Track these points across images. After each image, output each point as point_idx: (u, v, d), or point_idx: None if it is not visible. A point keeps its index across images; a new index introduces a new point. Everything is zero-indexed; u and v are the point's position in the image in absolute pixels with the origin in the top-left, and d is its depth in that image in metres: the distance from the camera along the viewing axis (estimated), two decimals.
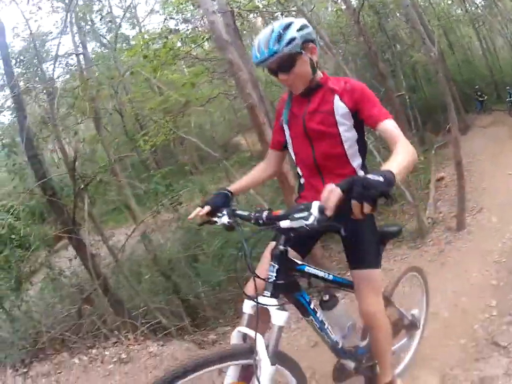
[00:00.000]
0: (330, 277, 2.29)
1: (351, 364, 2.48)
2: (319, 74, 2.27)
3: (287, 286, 1.99)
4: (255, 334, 1.82)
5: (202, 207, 2.16)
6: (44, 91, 6.53)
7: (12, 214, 5.32)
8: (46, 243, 5.76)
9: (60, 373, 3.74)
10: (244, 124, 20.99)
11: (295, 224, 1.70)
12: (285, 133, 2.37)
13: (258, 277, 1.89)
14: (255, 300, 1.85)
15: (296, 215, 1.69)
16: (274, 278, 1.92)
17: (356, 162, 2.25)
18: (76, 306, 5.30)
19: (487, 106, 18.39)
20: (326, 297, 2.34)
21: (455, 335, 3.50)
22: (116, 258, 5.36)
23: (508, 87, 16.89)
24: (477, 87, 18.81)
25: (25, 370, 3.82)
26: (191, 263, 6.78)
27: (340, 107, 2.17)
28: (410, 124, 12.67)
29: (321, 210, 1.58)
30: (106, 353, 4.01)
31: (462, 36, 24.57)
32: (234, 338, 1.95)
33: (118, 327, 4.64)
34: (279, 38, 2.01)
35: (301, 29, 2.06)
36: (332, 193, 1.51)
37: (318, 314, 2.21)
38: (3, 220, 5.21)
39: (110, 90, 9.33)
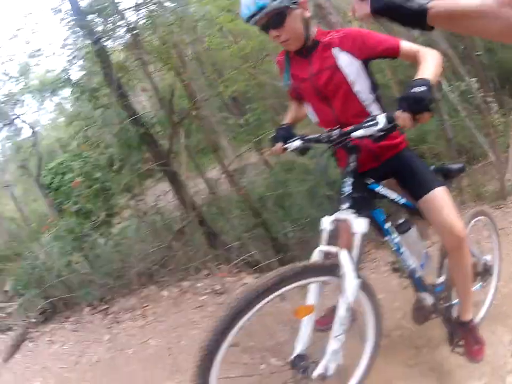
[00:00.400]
0: (403, 201, 2.32)
1: (429, 299, 2.53)
2: (314, 31, 2.22)
3: (362, 201, 2.07)
4: (338, 250, 1.93)
5: (273, 145, 2.32)
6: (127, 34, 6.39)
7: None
8: (137, 179, 5.86)
9: (146, 306, 3.79)
10: None
11: (367, 132, 1.86)
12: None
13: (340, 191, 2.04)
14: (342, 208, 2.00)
15: (365, 125, 1.87)
16: (350, 191, 2.02)
17: (376, 110, 2.31)
18: (166, 241, 5.33)
19: None
20: (401, 220, 2.36)
21: None
22: (212, 190, 5.54)
23: None
24: None
25: (105, 306, 3.89)
26: (281, 203, 6.89)
27: (342, 59, 2.18)
28: (489, 86, 12.10)
29: (388, 118, 1.78)
30: (198, 285, 4.04)
31: None
32: (316, 257, 2.02)
33: (211, 260, 4.66)
34: None
35: None
36: (405, 120, 1.71)
37: (394, 236, 2.28)
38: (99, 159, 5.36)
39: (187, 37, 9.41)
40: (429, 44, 10.63)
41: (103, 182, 5.75)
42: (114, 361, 3.08)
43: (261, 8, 1.96)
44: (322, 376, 1.90)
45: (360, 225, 1.97)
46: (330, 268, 1.93)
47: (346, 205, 2.00)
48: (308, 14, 2.13)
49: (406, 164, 2.37)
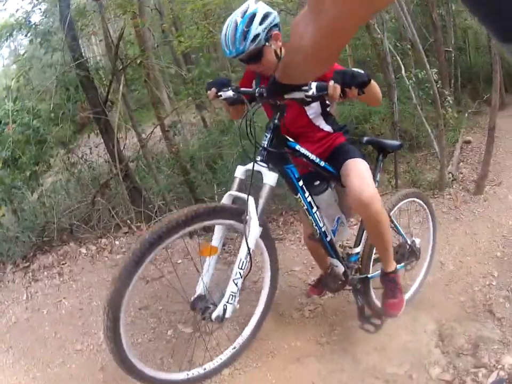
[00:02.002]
0: (322, 163, 2.38)
1: (339, 267, 2.56)
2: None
3: (277, 156, 2.17)
4: (247, 196, 2.02)
5: (208, 89, 2.35)
6: None
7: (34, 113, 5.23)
8: (72, 129, 5.57)
9: (63, 264, 3.70)
10: (288, 38, 20.63)
11: (298, 95, 1.92)
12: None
13: (257, 143, 2.10)
14: (253, 159, 2.07)
15: (302, 88, 1.91)
16: (266, 145, 2.11)
17: (322, 124, 2.57)
18: (91, 196, 5.23)
19: None
20: (317, 182, 2.44)
21: (456, 290, 3.55)
22: (142, 143, 5.30)
23: None
24: None
25: (26, 264, 3.75)
26: (211, 164, 6.82)
27: None
28: (450, 82, 12.30)
29: (318, 87, 1.88)
30: (116, 242, 3.98)
31: None
32: (225, 201, 2.14)
33: (131, 218, 4.60)
34: (244, 36, 2.14)
35: (263, 20, 2.16)
36: (335, 89, 1.83)
37: (306, 195, 2.32)
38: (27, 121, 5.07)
39: None
40: (399, 31, 10.71)
41: (40, 132, 5.37)
42: (29, 322, 2.99)
43: (241, 52, 2.18)
44: (220, 318, 2.01)
45: (270, 178, 2.09)
46: (236, 212, 2.05)
47: (260, 157, 2.10)
48: (279, 43, 2.26)
49: (339, 148, 2.56)
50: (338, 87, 1.82)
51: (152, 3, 10.32)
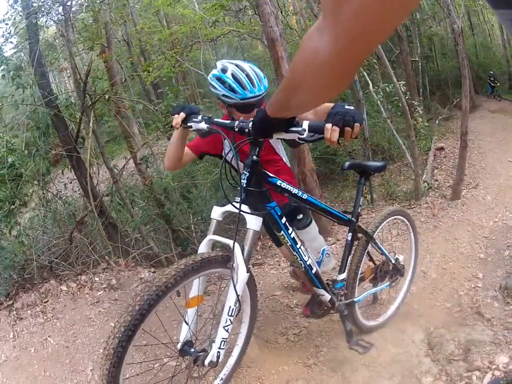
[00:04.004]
0: (305, 196, 2.32)
1: (326, 296, 2.54)
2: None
3: (258, 195, 2.08)
4: (233, 243, 1.96)
5: (174, 114, 2.18)
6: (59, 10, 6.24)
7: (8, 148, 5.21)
8: (45, 165, 5.54)
9: (46, 302, 3.64)
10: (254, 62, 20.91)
11: (289, 136, 1.80)
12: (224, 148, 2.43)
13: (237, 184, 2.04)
14: (236, 204, 1.97)
15: (292, 128, 1.76)
16: (245, 185, 2.00)
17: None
18: (68, 232, 5.08)
19: (497, 93, 18.18)
20: (300, 216, 2.43)
21: (442, 297, 3.59)
22: (114, 178, 5.25)
23: None
24: (491, 72, 18.53)
25: (10, 302, 3.68)
26: (185, 194, 6.80)
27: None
28: (419, 91, 12.56)
29: (312, 128, 1.73)
30: (96, 279, 3.92)
31: (484, 21, 23.91)
32: (204, 248, 2.09)
33: (109, 253, 4.56)
34: (260, 80, 2.30)
35: None
36: (334, 132, 1.66)
37: (289, 231, 2.26)
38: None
39: (120, 19, 9.14)
40: None
41: (16, 167, 5.32)
42: (19, 360, 2.94)
43: (261, 94, 2.28)
44: (214, 364, 2.01)
45: (253, 222, 2.01)
46: (223, 260, 1.99)
47: (240, 198, 1.99)
48: None
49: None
50: (337, 130, 1.66)
51: (120, 34, 10.40)
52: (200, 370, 2.15)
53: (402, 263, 3.13)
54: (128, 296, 3.68)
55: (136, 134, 6.20)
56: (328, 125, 1.67)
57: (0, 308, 3.62)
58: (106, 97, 5.09)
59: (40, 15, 5.62)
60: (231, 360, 2.43)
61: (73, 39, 6.65)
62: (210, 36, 8.38)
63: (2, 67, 5.37)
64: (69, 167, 5.64)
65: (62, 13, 6.03)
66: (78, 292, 3.77)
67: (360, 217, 2.70)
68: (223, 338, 2.01)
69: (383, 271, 2.96)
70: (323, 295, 2.53)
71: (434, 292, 3.75)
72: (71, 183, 5.91)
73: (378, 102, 7.14)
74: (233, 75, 2.31)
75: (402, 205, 6.22)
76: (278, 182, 2.17)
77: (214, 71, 2.44)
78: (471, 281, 3.84)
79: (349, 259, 2.68)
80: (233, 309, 1.99)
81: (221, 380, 2.37)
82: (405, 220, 3.18)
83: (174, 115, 2.17)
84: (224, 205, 2.10)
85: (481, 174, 8.05)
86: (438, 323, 3.15)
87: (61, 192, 5.84)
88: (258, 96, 2.28)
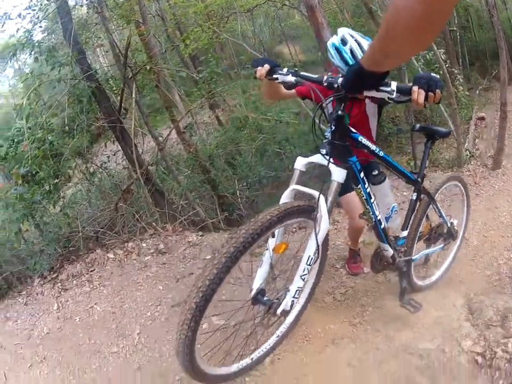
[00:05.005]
0: (381, 154, 2.36)
1: (389, 251, 2.60)
2: None
3: (342, 148, 2.08)
4: (319, 194, 1.98)
5: (257, 66, 2.19)
6: None
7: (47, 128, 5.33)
8: (87, 139, 5.64)
9: (92, 271, 3.73)
10: (288, 33, 20.68)
11: (379, 94, 1.82)
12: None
13: (319, 128, 2.06)
14: (325, 156, 2.01)
15: (382, 88, 1.80)
16: (331, 138, 2.04)
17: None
18: (113, 202, 5.24)
19: None
20: (375, 172, 2.42)
21: (482, 265, 3.58)
22: (160, 146, 5.34)
23: None
24: None
25: (54, 275, 3.78)
26: (230, 161, 6.92)
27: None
28: (458, 61, 12.20)
29: (400, 90, 1.79)
30: (143, 245, 3.99)
31: None
32: (286, 197, 2.09)
33: (156, 220, 4.60)
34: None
35: None
36: (420, 94, 1.74)
37: (366, 186, 2.30)
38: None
39: None
40: None
41: (54, 145, 5.46)
42: (63, 331, 3.02)
43: None
44: (286, 312, 2.04)
45: (338, 175, 2.03)
46: (307, 210, 1.98)
47: (324, 150, 2.04)
48: None
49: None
50: (423, 93, 1.74)
51: (154, 10, 10.41)
52: (269, 320, 2.17)
53: (456, 228, 3.15)
54: (176, 259, 3.72)
55: (178, 103, 6.26)
56: (415, 87, 1.75)
57: (44, 282, 3.71)
58: (148, 67, 5.13)
59: None
60: (297, 308, 2.44)
61: (108, 16, 6.69)
62: (246, 7, 8.34)
63: (34, 50, 5.50)
64: (112, 139, 5.74)
65: None
66: (125, 259, 3.86)
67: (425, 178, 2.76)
68: (298, 287, 2.04)
69: (438, 233, 3.02)
70: (387, 250, 2.60)
71: (475, 258, 3.73)
72: (114, 154, 6.02)
73: (419, 69, 7.03)
74: (351, 51, 2.43)
75: (445, 172, 6.16)
76: (360, 138, 2.21)
77: (334, 40, 2.54)
78: (510, 250, 3.80)
79: (411, 218, 2.74)
80: (312, 258, 2.02)
81: (277, 337, 2.41)
82: (461, 186, 3.21)
83: (257, 67, 2.19)
84: (307, 156, 2.13)
85: None
86: (478, 289, 3.14)
87: (105, 163, 5.96)
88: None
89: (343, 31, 2.54)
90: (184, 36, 8.05)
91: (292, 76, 2.10)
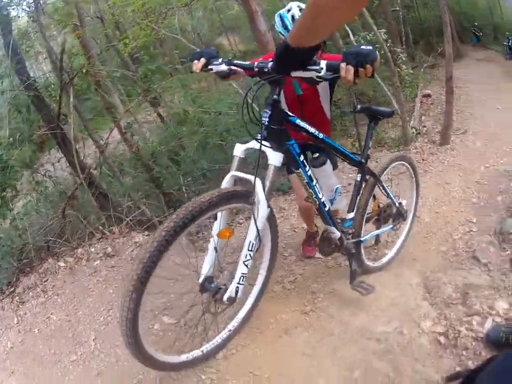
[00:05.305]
0: (321, 136, 2.38)
1: (336, 234, 2.62)
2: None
3: (279, 132, 2.11)
4: (254, 178, 2.01)
5: (193, 60, 2.26)
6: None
7: None
8: (31, 149, 5.54)
9: (46, 281, 3.70)
10: (227, 25, 20.72)
11: (307, 74, 1.83)
12: None
13: (259, 121, 2.05)
14: (259, 140, 2.03)
15: (309, 67, 1.81)
16: (267, 123, 2.04)
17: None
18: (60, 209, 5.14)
19: (482, 42, 17.99)
20: (316, 155, 2.44)
21: (436, 241, 3.60)
22: (101, 149, 5.27)
23: (508, 33, 16.45)
24: (475, 23, 18.30)
25: (12, 289, 3.72)
26: (173, 157, 6.86)
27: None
28: (401, 40, 12.43)
29: (329, 67, 1.79)
30: (92, 250, 3.96)
31: None
32: (226, 183, 2.11)
33: (103, 224, 4.58)
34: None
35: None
36: (348, 71, 1.71)
37: (307, 169, 2.33)
38: None
39: None
40: None
41: (3, 158, 5.30)
42: (24, 344, 2.99)
43: None
44: (232, 299, 2.07)
45: (275, 158, 2.05)
46: (244, 195, 2.04)
47: (261, 136, 2.05)
48: None
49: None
50: (352, 69, 1.71)
51: (92, 12, 10.22)
52: (217, 307, 2.21)
53: (406, 208, 3.17)
54: (124, 261, 3.70)
55: (117, 104, 6.17)
56: (343, 64, 1.73)
57: (3, 297, 3.64)
58: (84, 71, 5.04)
59: (10, 8, 5.62)
60: (249, 301, 2.52)
61: (45, 24, 6.56)
62: (184, 1, 8.26)
63: None
64: (56, 147, 5.62)
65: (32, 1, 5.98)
66: (76, 265, 3.82)
67: (369, 159, 2.79)
68: (242, 274, 2.07)
69: (387, 214, 3.04)
70: (333, 233, 2.62)
71: (428, 235, 3.76)
72: (58, 161, 5.90)
73: None
74: (293, 16, 2.55)
75: (392, 151, 6.25)
76: (297, 121, 2.23)
77: (282, 10, 2.68)
78: (465, 225, 3.84)
79: (357, 199, 2.77)
80: (253, 243, 2.05)
81: (239, 319, 2.46)
82: (408, 166, 3.23)
83: (193, 61, 2.25)
84: (245, 143, 2.14)
85: (470, 121, 8.02)
86: (434, 267, 3.17)
87: (50, 171, 5.83)
88: None
89: (293, 2, 2.64)
90: (123, 35, 7.93)
91: (226, 65, 2.16)
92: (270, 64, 1.94)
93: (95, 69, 5.28)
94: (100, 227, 4.38)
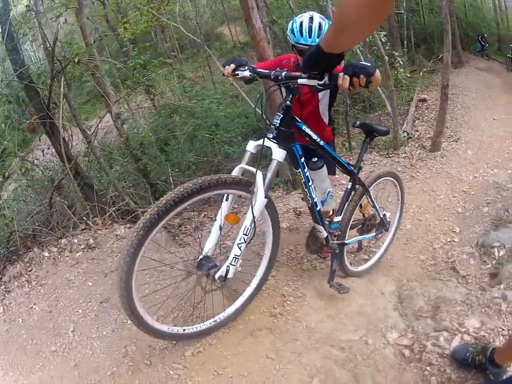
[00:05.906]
0: (321, 143, 2.66)
1: (323, 233, 2.87)
2: None
3: (286, 134, 2.39)
4: (256, 169, 2.26)
5: (226, 66, 2.62)
6: None
7: None
8: (21, 136, 5.54)
9: (30, 270, 3.72)
10: (229, 15, 20.66)
11: (310, 82, 2.12)
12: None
13: (269, 121, 2.34)
14: (266, 135, 2.30)
15: (312, 76, 2.11)
16: (278, 124, 2.35)
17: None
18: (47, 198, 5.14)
19: (485, 52, 17.91)
20: (315, 159, 2.79)
21: (416, 249, 3.62)
22: (88, 139, 5.30)
23: None
24: (484, 34, 18.23)
25: None
26: (162, 147, 6.93)
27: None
28: (403, 43, 12.39)
29: (330, 77, 2.05)
30: (75, 241, 3.99)
31: None
32: (235, 173, 2.34)
33: (87, 214, 4.60)
34: (320, 34, 2.72)
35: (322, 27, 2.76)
36: (344, 79, 1.98)
37: (305, 170, 2.63)
38: None
39: None
40: None
41: None
42: (9, 333, 3.01)
43: (307, 44, 2.75)
44: (223, 278, 2.28)
45: (278, 154, 2.31)
46: (245, 184, 2.27)
47: (271, 135, 2.33)
48: None
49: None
50: (347, 78, 1.97)
51: None
52: (209, 284, 2.39)
53: (389, 220, 3.31)
54: (104, 254, 3.72)
55: (109, 93, 6.16)
56: (341, 74, 2.00)
57: None
58: (76, 60, 5.03)
59: None
60: (248, 290, 2.70)
61: (43, 9, 6.57)
62: None
63: None
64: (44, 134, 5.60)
65: None
66: (59, 256, 3.82)
67: (360, 171, 3.00)
68: (235, 255, 2.30)
69: (370, 223, 3.22)
70: (321, 232, 2.88)
71: (408, 243, 3.77)
72: (48, 148, 5.91)
73: (358, 51, 7.13)
74: (301, 22, 2.79)
75: (382, 154, 6.25)
76: (303, 127, 2.55)
77: (298, 16, 2.93)
78: (447, 235, 3.87)
79: (346, 204, 2.99)
80: (248, 228, 2.28)
81: (236, 308, 2.63)
82: (396, 182, 3.38)
83: (225, 66, 2.63)
84: (258, 139, 2.37)
85: (463, 129, 7.99)
86: (411, 275, 3.20)
87: (39, 159, 5.83)
88: (308, 45, 2.72)
89: (308, 12, 2.89)
90: (123, 21, 7.90)
91: (249, 72, 2.52)
92: (284, 73, 2.30)
93: (88, 58, 5.27)
94: (84, 217, 4.40)
